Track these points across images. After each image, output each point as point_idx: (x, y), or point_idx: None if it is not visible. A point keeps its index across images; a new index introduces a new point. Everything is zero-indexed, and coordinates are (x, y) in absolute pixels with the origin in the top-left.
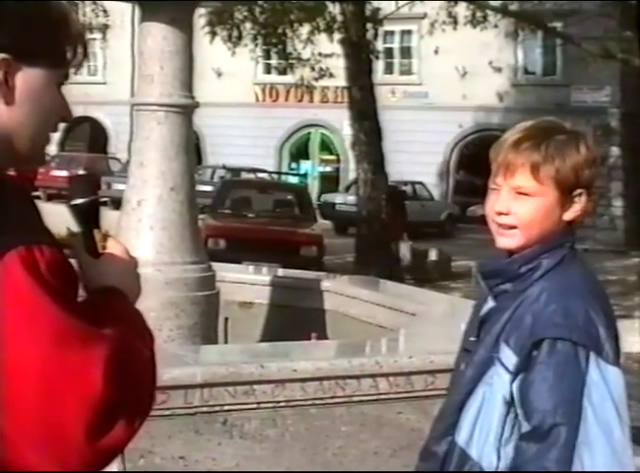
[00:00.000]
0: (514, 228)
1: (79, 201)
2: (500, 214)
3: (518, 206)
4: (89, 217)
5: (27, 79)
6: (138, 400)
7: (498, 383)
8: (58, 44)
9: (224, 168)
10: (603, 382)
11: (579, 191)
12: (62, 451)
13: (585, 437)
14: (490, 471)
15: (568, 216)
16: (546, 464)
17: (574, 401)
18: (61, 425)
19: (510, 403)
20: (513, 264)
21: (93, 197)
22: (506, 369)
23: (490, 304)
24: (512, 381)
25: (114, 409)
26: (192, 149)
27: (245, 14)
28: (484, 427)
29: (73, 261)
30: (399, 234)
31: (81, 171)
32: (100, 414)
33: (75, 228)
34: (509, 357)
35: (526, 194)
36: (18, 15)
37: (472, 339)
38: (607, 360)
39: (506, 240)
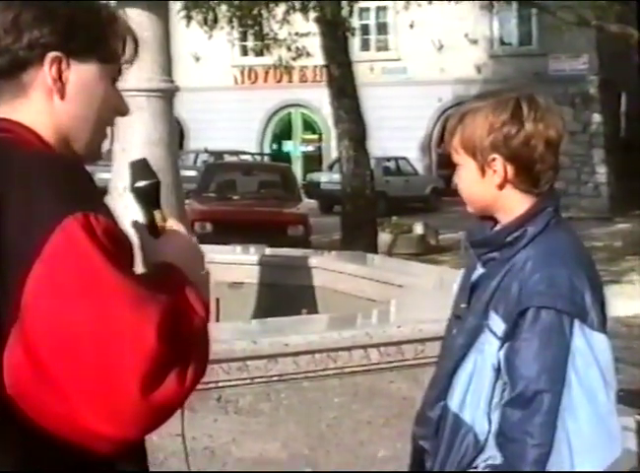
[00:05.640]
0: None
1: (141, 184)
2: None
3: (457, 178)
4: (150, 199)
5: (79, 74)
6: (189, 360)
7: (488, 350)
8: (107, 41)
9: (206, 151)
10: (588, 349)
11: (492, 157)
12: (116, 405)
13: (569, 402)
14: None
15: (494, 182)
16: (530, 429)
17: (558, 368)
18: (116, 379)
19: (498, 370)
20: (500, 234)
21: (154, 180)
22: (495, 336)
23: (480, 270)
24: (499, 349)
25: (167, 365)
26: (175, 133)
27: None
28: (476, 392)
29: (135, 241)
30: None
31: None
32: (154, 368)
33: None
34: (498, 324)
35: (457, 164)
36: (66, 15)
37: (462, 306)
38: (592, 326)
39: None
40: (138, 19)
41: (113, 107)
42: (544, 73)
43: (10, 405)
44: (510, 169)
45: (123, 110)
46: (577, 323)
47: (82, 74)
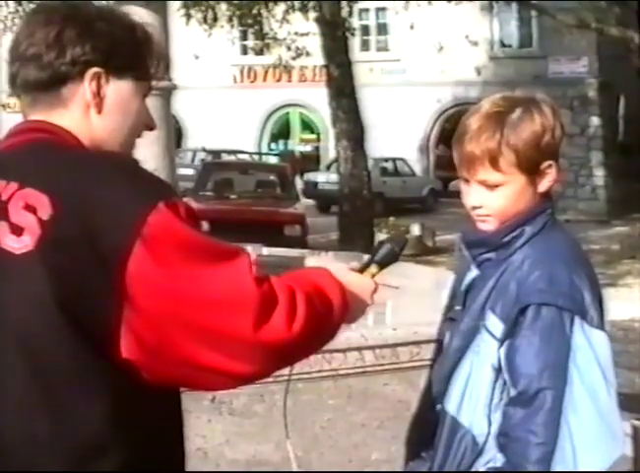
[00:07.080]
0: (490, 215)
1: (393, 245)
2: (475, 208)
3: (489, 199)
4: (384, 255)
5: (116, 90)
6: (298, 311)
7: (485, 351)
8: (143, 59)
9: (204, 150)
10: (588, 346)
11: (547, 164)
12: (235, 343)
13: (571, 400)
14: None
15: (542, 188)
16: (533, 428)
17: (560, 365)
18: (230, 320)
19: (498, 370)
20: (497, 235)
21: (393, 247)
22: (493, 336)
23: (474, 272)
24: (499, 348)
25: (271, 304)
26: (172, 131)
27: None
28: (474, 394)
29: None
30: None
31: None
32: (258, 305)
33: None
34: (496, 324)
35: (494, 185)
36: (108, 34)
37: (457, 308)
38: (591, 323)
39: (485, 226)
40: (136, 17)
41: (143, 122)
42: (544, 75)
43: (122, 369)
44: (555, 172)
45: (151, 125)
46: (577, 320)
47: (119, 90)
